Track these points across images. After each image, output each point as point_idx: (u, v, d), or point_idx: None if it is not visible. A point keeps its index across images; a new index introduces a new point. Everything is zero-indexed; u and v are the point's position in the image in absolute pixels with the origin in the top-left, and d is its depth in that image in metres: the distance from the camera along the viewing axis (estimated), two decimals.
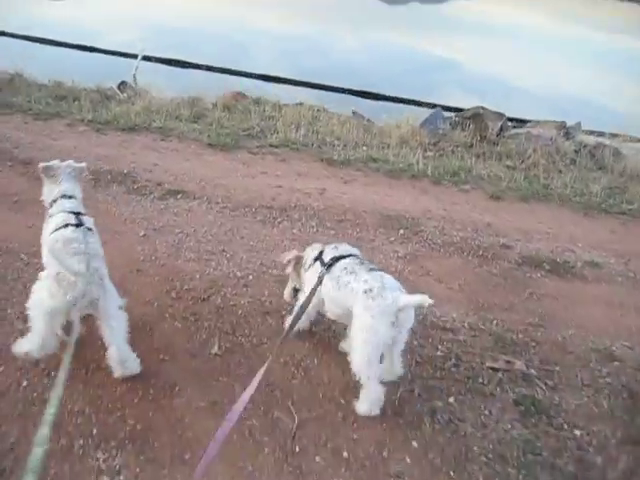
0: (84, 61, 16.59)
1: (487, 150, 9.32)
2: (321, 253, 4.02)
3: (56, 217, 3.75)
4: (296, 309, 4.01)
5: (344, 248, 4.04)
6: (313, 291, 3.86)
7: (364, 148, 8.83)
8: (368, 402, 3.64)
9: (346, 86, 16.27)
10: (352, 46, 29.34)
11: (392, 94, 15.49)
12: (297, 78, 16.24)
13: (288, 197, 6.91)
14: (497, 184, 8.18)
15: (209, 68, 16.81)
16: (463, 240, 6.41)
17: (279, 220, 6.34)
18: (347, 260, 3.86)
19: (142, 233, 5.69)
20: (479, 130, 9.72)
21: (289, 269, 4.32)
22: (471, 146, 9.42)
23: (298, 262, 4.23)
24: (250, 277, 5.08)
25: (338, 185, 7.52)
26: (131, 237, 5.60)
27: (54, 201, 3.93)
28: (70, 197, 3.95)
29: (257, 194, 6.88)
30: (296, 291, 4.35)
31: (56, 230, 3.62)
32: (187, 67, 16.92)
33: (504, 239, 6.58)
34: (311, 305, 3.90)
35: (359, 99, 15.20)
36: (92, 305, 3.48)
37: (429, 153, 8.99)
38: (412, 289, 3.83)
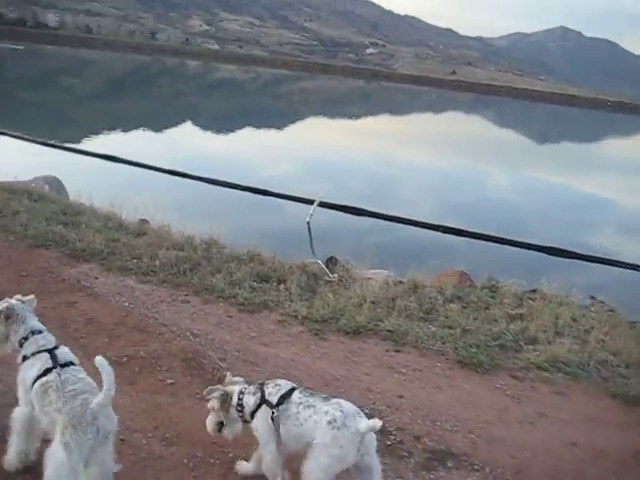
0: (257, 205, 15.88)
1: None
2: (263, 395, 3.92)
3: (34, 359, 3.71)
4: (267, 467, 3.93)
5: (285, 382, 4.02)
6: (277, 439, 3.76)
7: None
8: None
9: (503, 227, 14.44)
10: (506, 185, 27.99)
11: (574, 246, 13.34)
12: (472, 229, 14.54)
13: (597, 470, 4.78)
14: None
15: (391, 218, 15.48)
16: None
17: None
18: (297, 394, 3.86)
19: None
20: None
21: (213, 404, 4.05)
22: None
23: (225, 400, 4.04)
24: None
25: None
26: None
27: (24, 339, 3.82)
28: (40, 332, 3.87)
29: (554, 462, 4.81)
30: (221, 424, 4.09)
31: (40, 377, 3.59)
32: (363, 215, 15.75)
33: None
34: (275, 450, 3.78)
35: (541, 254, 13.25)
36: (105, 439, 3.48)
37: None
38: None
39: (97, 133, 26.91)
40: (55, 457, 3.34)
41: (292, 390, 3.90)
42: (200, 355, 5.76)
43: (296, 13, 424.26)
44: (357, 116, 61.07)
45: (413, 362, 6.22)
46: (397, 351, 6.43)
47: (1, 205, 9.48)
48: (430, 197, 22.18)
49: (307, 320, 6.87)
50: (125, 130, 29.09)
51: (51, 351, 3.74)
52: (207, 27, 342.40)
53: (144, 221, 10.82)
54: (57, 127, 28.19)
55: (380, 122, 59.60)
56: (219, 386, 4.14)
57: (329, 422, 3.60)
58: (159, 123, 34.43)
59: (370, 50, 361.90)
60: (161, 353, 5.77)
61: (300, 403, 3.79)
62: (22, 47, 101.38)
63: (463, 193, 24.34)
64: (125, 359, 5.62)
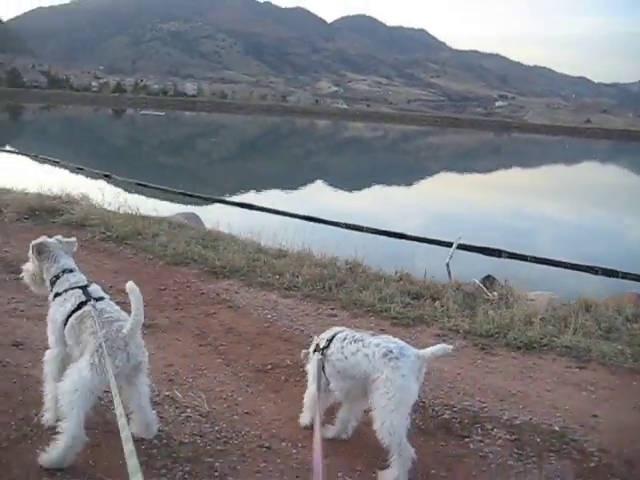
0: (390, 254, 15.24)
1: None
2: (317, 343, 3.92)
3: (66, 295, 3.69)
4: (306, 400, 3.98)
5: (335, 328, 3.96)
6: (319, 380, 3.74)
7: None
8: (400, 467, 3.43)
9: None
10: None
11: None
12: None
13: None
14: None
15: (533, 259, 14.34)
16: None
17: None
18: (343, 334, 3.80)
19: None
20: None
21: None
22: None
23: (306, 357, 4.09)
24: None
25: None
26: None
27: (56, 277, 3.79)
28: (71, 271, 3.84)
29: None
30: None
31: (74, 311, 3.59)
32: (499, 256, 14.70)
33: None
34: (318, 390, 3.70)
35: None
36: (135, 370, 3.53)
37: None
38: None
39: (231, 191, 27.45)
40: (79, 373, 3.33)
41: (339, 332, 3.86)
42: None
43: (423, 70, 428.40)
44: (487, 170, 59.35)
45: (602, 380, 5.25)
46: (580, 368, 5.48)
47: (141, 228, 9.38)
48: (566, 248, 20.73)
49: (470, 334, 6.09)
50: (257, 189, 29.47)
51: (83, 287, 3.74)
52: (336, 88, 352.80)
53: (282, 250, 10.46)
54: (194, 185, 29.08)
55: (511, 175, 57.59)
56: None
57: (385, 354, 3.47)
58: (290, 182, 34.80)
59: (499, 103, 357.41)
60: None
61: (345, 339, 3.74)
62: (163, 113, 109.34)
63: (600, 244, 22.65)
64: (269, 367, 5.10)
